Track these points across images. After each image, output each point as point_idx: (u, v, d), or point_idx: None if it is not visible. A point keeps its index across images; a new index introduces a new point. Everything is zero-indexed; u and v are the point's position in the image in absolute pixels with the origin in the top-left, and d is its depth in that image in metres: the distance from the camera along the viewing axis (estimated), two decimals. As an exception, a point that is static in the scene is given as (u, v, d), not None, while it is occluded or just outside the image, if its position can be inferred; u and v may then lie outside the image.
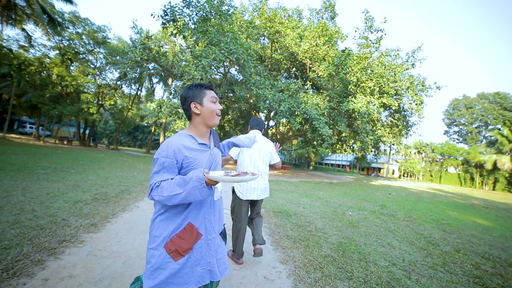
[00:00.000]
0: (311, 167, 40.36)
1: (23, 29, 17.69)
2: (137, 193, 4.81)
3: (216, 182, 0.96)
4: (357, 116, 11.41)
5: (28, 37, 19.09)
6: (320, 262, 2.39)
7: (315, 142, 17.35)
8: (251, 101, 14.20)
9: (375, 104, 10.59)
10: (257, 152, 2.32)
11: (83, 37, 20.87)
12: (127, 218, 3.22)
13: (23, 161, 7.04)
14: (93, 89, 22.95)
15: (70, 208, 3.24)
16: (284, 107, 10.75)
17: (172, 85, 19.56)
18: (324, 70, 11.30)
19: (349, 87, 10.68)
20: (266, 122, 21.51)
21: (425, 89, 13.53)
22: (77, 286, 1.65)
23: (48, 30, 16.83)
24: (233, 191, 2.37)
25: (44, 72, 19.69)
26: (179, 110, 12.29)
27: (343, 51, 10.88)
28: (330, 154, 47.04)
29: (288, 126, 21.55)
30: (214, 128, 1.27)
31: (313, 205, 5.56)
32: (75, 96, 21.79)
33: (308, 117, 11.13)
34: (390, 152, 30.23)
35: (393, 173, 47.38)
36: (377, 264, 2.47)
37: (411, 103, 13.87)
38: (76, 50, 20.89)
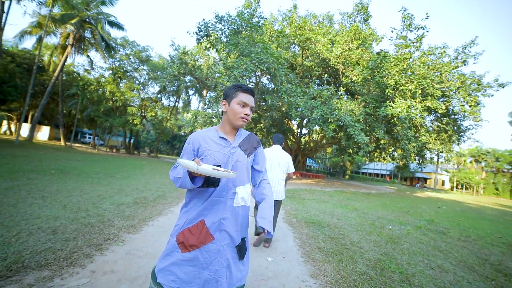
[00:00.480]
0: (346, 176, 38.17)
1: (88, 56, 20.97)
2: (173, 198, 5.09)
3: (199, 175, 1.00)
4: (397, 122, 10.53)
5: (91, 62, 22.52)
6: (354, 280, 2.20)
7: (350, 150, 16.42)
8: (283, 109, 14.16)
9: (417, 108, 9.65)
10: (276, 162, 3.00)
11: (131, 57, 23.52)
12: (162, 222, 3.41)
13: (82, 167, 8.06)
14: (137, 103, 25.48)
15: (114, 210, 3.57)
16: (316, 114, 10.46)
17: (206, 96, 20.67)
18: (358, 74, 10.76)
19: (387, 91, 9.95)
20: (298, 130, 21.18)
21: (482, 88, 11.86)
22: (116, 281, 1.79)
23: (105, 54, 19.56)
24: None
25: (100, 90, 22.62)
26: (213, 119, 12.85)
27: (378, 53, 10.26)
28: (367, 162, 43.98)
29: (322, 134, 20.86)
30: (253, 133, 1.27)
31: (348, 217, 5.21)
32: (123, 109, 24.41)
33: (342, 124, 10.65)
34: (438, 161, 27.04)
35: (442, 184, 42.14)
36: (423, 288, 2.17)
37: (462, 105, 12.28)
38: (124, 69, 23.61)
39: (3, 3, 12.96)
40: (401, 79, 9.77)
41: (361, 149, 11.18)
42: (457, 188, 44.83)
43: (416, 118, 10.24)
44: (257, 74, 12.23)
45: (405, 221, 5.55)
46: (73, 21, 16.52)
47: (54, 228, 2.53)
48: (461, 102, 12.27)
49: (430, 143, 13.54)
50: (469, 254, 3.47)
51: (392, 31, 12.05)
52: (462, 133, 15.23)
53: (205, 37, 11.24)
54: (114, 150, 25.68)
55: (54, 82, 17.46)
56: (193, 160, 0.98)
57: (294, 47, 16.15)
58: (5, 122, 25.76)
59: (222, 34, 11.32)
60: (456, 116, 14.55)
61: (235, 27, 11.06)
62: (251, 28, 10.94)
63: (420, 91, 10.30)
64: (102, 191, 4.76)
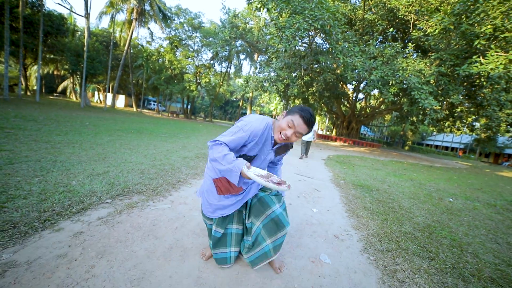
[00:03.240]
0: (406, 147, 34.22)
1: (148, 28, 22.75)
2: (227, 156, 5.70)
3: (248, 177, 1.08)
4: (485, 83, 8.51)
5: (151, 34, 24.46)
6: (397, 236, 2.26)
7: (414, 118, 14.39)
8: (338, 71, 12.98)
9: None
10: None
11: (184, 25, 24.41)
12: (219, 173, 3.96)
13: (152, 128, 9.53)
14: (192, 70, 27.06)
15: (181, 161, 4.28)
16: (375, 76, 9.32)
17: (257, 60, 20.39)
18: (436, 24, 8.74)
19: (476, 43, 7.87)
20: (354, 95, 19.42)
21: None
22: (189, 210, 2.31)
23: (162, 24, 20.83)
24: None
25: (160, 59, 24.74)
26: (264, 84, 12.80)
27: (470, -9, 7.97)
28: (435, 133, 37.87)
29: (381, 99, 18.62)
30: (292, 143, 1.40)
31: (402, 185, 4.93)
32: (180, 77, 26.43)
33: (406, 86, 9.27)
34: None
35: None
36: (479, 257, 2.07)
37: None
38: (180, 37, 24.86)
39: None
40: (506, 23, 7.39)
41: (428, 115, 9.67)
42: None
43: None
44: (310, 34, 11.26)
45: (474, 197, 4.92)
46: (135, -5, 17.78)
47: (141, 170, 3.28)
48: None
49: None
50: (553, 236, 2.98)
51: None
52: None
53: (255, -4, 10.68)
54: (175, 115, 28.81)
55: (125, 56, 19.88)
56: (245, 165, 1.10)
57: (354, -1, 13.94)
58: (96, 93, 31.37)
59: (273, -10, 10.53)
60: None
61: (287, -20, 10.08)
62: (305, -20, 9.80)
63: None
64: (169, 147, 5.66)
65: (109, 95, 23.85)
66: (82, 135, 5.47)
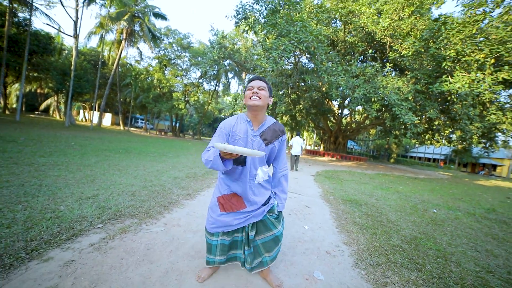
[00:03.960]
0: (391, 160, 35.37)
1: (137, 48, 23.14)
2: (218, 174, 5.70)
3: (231, 155, 1.13)
4: (455, 99, 9.25)
5: (140, 53, 24.82)
6: (386, 250, 2.34)
7: (396, 132, 15.13)
8: (323, 89, 13.61)
9: (485, 82, 8.27)
10: (298, 144, 7.94)
11: (173, 45, 24.99)
12: (211, 193, 3.96)
13: (140, 147, 9.40)
14: (181, 88, 27.33)
15: (172, 181, 4.26)
16: (358, 94, 9.88)
17: (245, 78, 20.99)
18: (408, 47, 9.58)
19: (444, 64, 8.70)
20: (339, 111, 20.20)
21: None
22: (183, 232, 2.30)
23: (152, 44, 21.24)
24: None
25: (149, 78, 24.91)
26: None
27: (435, 20, 8.91)
28: (417, 145, 39.63)
29: (365, 115, 19.48)
30: (281, 124, 1.47)
31: (388, 198, 5.11)
32: (169, 95, 26.56)
33: (387, 103, 9.87)
34: (512, 145, 22.89)
35: (518, 173, 35.67)
36: (461, 266, 2.19)
37: None
38: (169, 57, 25.32)
39: (77, 11, 14.98)
40: (465, 48, 8.36)
41: (408, 130, 10.25)
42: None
43: (484, 93, 8.77)
44: (296, 54, 11.89)
45: (456, 207, 5.17)
46: (125, 17, 18.25)
47: (132, 192, 3.24)
48: None
49: (504, 123, 11.47)
50: (529, 243, 3.18)
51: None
52: None
53: (243, 20, 11.30)
54: (163, 133, 28.51)
55: (113, 74, 19.88)
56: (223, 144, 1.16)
57: (335, 22, 15.01)
58: (81, 111, 30.67)
59: (260, 15, 11.21)
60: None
61: (273, 6, 10.81)
62: (289, 6, 10.56)
63: (493, 61, 8.66)
64: (159, 166, 5.60)
65: (96, 113, 23.42)
66: (67, 156, 5.33)
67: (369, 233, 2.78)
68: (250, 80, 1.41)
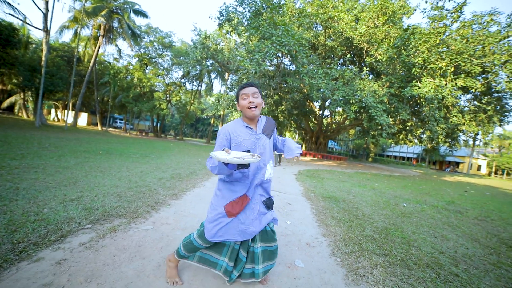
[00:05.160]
0: (370, 159, 37.20)
1: (116, 45, 22.22)
2: (203, 175, 5.76)
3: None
4: (423, 103, 10.09)
5: (119, 51, 23.84)
6: (360, 240, 2.61)
7: (374, 132, 16.04)
8: (305, 90, 14.10)
9: (447, 88, 9.13)
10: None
11: (155, 43, 24.37)
12: (197, 193, 4.04)
13: (121, 148, 9.13)
14: (162, 88, 26.69)
15: (157, 182, 4.27)
16: (338, 96, 10.39)
17: (228, 79, 20.99)
18: (383, 53, 10.29)
19: (413, 70, 9.49)
20: (320, 112, 20.92)
21: None
22: (171, 229, 2.39)
23: (131, 42, 20.54)
24: None
25: (129, 76, 24.03)
26: (236, 102, 13.29)
27: (405, 29, 9.69)
28: (393, 145, 42.10)
29: (344, 115, 20.38)
30: (270, 117, 1.59)
31: (365, 195, 5.50)
32: (150, 95, 25.83)
33: (364, 105, 10.48)
34: (473, 144, 25.09)
35: (478, 170, 39.24)
36: (421, 250, 2.51)
37: (509, 82, 10.92)
38: (149, 55, 24.63)
39: (47, 2, 14.07)
40: (430, 56, 9.18)
41: (384, 130, 10.98)
42: (496, 173, 41.46)
43: (447, 98, 9.67)
44: (278, 55, 12.20)
45: (423, 200, 5.69)
46: (103, 13, 17.47)
47: (118, 193, 3.24)
48: (509, 78, 10.92)
49: (463, 124, 12.66)
50: (479, 230, 3.65)
51: (426, 1, 11.00)
52: (507, 113, 13.77)
53: (226, 22, 11.38)
54: (144, 134, 27.63)
55: (90, 72, 18.93)
56: (223, 150, 1.20)
57: (316, 26, 15.58)
58: (52, 110, 28.72)
59: (243, 17, 11.37)
60: (500, 94, 13.16)
61: (256, 9, 11.02)
62: (272, 10, 10.83)
63: (452, 69, 9.60)
64: (143, 168, 5.55)
65: (70, 113, 22.11)
66: (43, 158, 5.11)
67: (345, 226, 3.04)
68: (242, 87, 1.44)
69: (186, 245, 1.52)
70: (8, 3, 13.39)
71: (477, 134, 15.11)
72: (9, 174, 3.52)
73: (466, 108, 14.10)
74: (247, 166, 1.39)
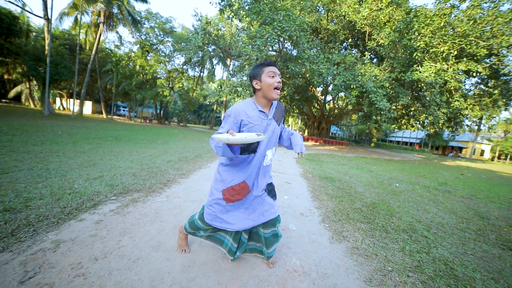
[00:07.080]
0: (372, 144, 37.28)
1: (117, 32, 22.06)
2: (208, 157, 6.13)
3: (236, 144, 1.13)
4: (425, 87, 10.11)
5: (120, 38, 23.67)
6: (348, 211, 2.97)
7: (376, 117, 16.13)
8: (307, 75, 14.07)
9: (448, 72, 9.12)
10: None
11: (155, 29, 24.08)
12: (203, 173, 4.42)
13: (129, 135, 9.53)
14: (165, 75, 26.66)
15: (166, 164, 4.65)
16: (338, 81, 10.46)
17: (230, 65, 20.85)
18: (385, 37, 10.19)
19: (414, 55, 9.44)
20: (323, 97, 20.86)
21: None
22: (183, 201, 2.77)
23: (132, 28, 20.37)
24: None
25: (131, 64, 24.03)
26: (238, 88, 13.35)
27: (407, 12, 9.51)
28: (396, 130, 41.91)
29: (347, 101, 20.32)
30: (280, 102, 1.58)
31: (361, 176, 5.83)
32: (152, 82, 25.90)
33: (364, 90, 10.56)
34: (478, 129, 24.95)
35: (481, 154, 39.13)
36: (401, 219, 2.86)
37: None
38: (150, 42, 24.42)
39: None
40: (432, 40, 9.08)
41: (383, 115, 11.11)
42: (499, 158, 41.35)
43: (450, 82, 9.65)
44: (280, 40, 12.14)
45: (416, 182, 6.01)
46: (102, -2, 17.23)
47: (133, 173, 3.63)
48: None
49: (466, 108, 12.61)
50: (460, 206, 3.98)
51: (433, -20, 10.61)
52: None
53: (227, 7, 11.27)
54: (148, 121, 28.03)
55: (92, 60, 19.03)
56: (227, 132, 1.12)
57: (319, 9, 15.24)
58: (57, 99, 29.11)
59: (244, 2, 11.23)
60: (507, 78, 12.93)
61: (257, -7, 10.84)
62: (273, -7, 10.64)
63: (455, 52, 9.48)
64: (152, 152, 5.93)
65: (76, 102, 22.44)
66: (60, 144, 5.51)
67: (337, 201, 3.40)
68: (269, 64, 1.33)
69: (191, 224, 1.60)
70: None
71: (481, 118, 15.10)
72: (36, 158, 3.92)
73: (471, 92, 13.98)
74: (253, 151, 1.36)
